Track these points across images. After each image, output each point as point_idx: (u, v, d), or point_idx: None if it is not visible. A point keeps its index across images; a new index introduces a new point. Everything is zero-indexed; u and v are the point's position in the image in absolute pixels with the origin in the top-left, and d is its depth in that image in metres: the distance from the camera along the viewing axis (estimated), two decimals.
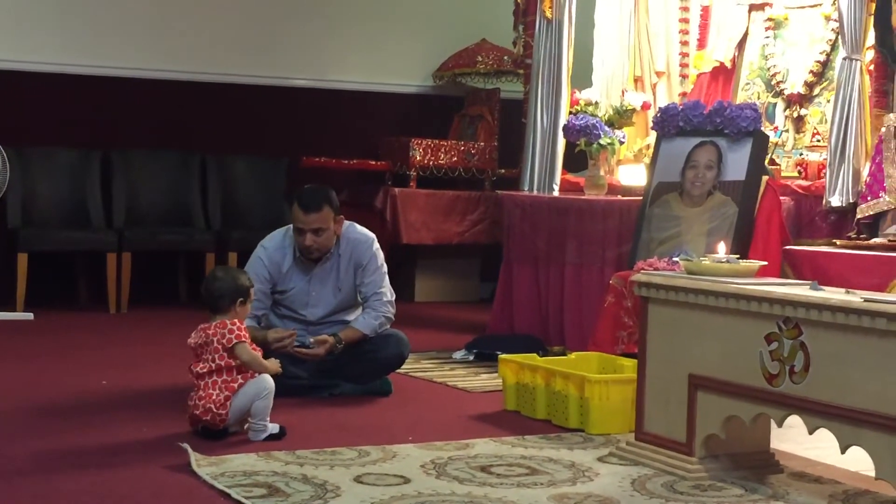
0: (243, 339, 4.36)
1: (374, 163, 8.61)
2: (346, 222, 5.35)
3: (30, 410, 4.78)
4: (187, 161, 8.30)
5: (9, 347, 6.30)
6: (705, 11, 7.46)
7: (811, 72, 6.71)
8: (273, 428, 4.37)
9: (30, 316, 7.25)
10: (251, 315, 5.09)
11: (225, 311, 4.43)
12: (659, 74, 7.60)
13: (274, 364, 4.47)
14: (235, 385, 4.33)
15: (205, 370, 4.35)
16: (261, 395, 4.34)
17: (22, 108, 7.98)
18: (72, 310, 7.72)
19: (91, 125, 8.17)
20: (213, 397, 4.31)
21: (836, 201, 5.89)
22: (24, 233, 7.55)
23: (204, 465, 3.93)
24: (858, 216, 5.71)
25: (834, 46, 6.56)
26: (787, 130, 6.80)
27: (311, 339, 5.16)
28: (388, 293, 5.34)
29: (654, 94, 7.57)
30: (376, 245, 5.37)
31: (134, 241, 7.76)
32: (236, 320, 4.41)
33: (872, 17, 5.90)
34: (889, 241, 5.36)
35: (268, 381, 4.37)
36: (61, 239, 7.68)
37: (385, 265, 5.38)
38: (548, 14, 7.19)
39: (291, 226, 5.28)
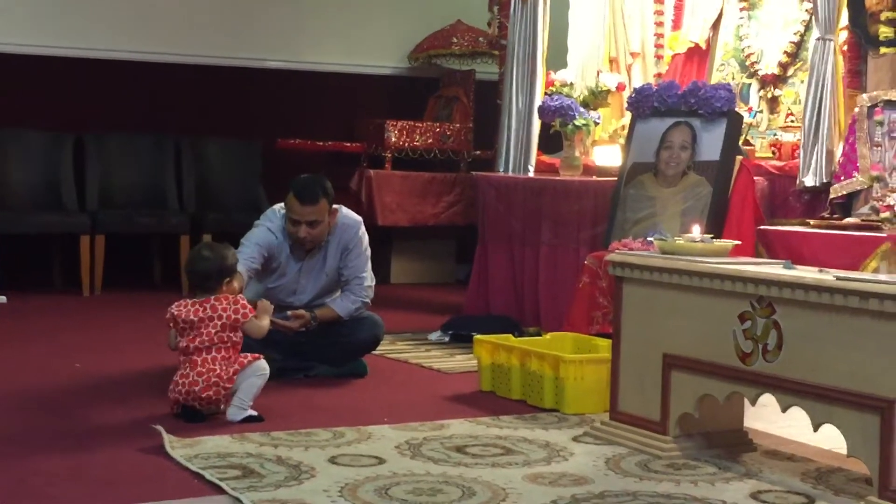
0: (252, 315, 4.42)
1: (349, 144, 8.59)
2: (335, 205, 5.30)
3: (3, 393, 4.75)
4: (161, 143, 8.25)
5: None
6: None
7: (785, 52, 6.72)
8: (252, 412, 4.36)
9: (3, 299, 7.21)
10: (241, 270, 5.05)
11: (213, 291, 4.41)
12: (634, 55, 7.61)
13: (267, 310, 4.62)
14: (241, 361, 4.35)
15: (203, 344, 4.33)
16: (257, 372, 4.36)
17: None
18: (46, 292, 7.68)
19: (64, 107, 8.12)
20: (218, 372, 4.30)
21: (809, 181, 5.91)
22: None
23: (178, 447, 3.92)
24: (832, 196, 5.74)
25: (808, 27, 6.58)
26: (761, 111, 6.81)
27: (289, 313, 5.14)
28: (369, 278, 5.32)
29: (629, 74, 7.58)
30: (362, 229, 5.33)
31: (108, 223, 7.73)
32: (239, 297, 4.46)
33: None
34: (862, 220, 5.38)
35: (265, 364, 4.40)
36: (35, 222, 7.63)
37: (369, 249, 5.35)
38: None
39: (278, 207, 5.24)
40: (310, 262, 5.26)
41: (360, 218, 5.38)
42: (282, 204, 5.27)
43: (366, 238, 5.35)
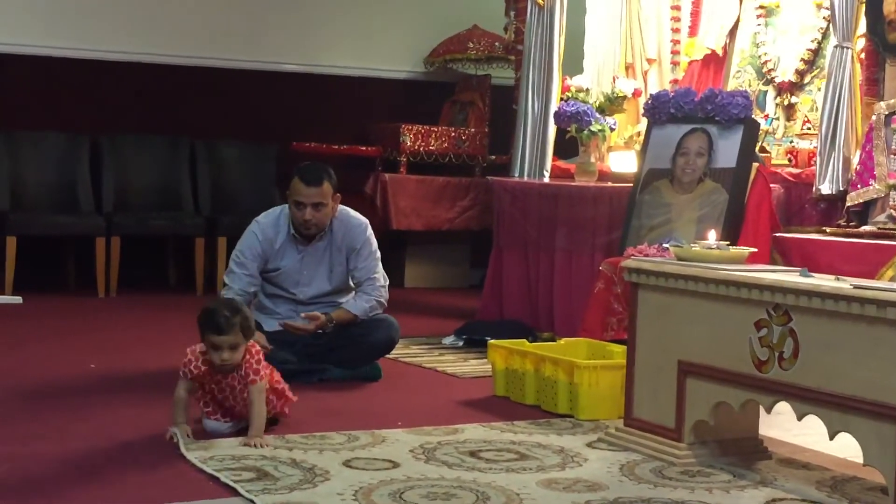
0: (182, 377, 4.14)
1: (364, 148, 8.59)
2: (340, 206, 5.36)
3: (18, 394, 4.77)
4: (177, 146, 8.27)
5: None
6: None
7: (802, 60, 6.71)
8: None
9: (18, 299, 7.24)
10: (242, 292, 5.11)
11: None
12: (650, 61, 7.61)
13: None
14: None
15: None
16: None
17: (11, 92, 7.96)
18: (61, 294, 7.70)
19: (81, 109, 8.15)
20: None
21: (826, 189, 5.89)
22: (13, 216, 7.52)
23: (192, 449, 3.92)
24: (848, 204, 5.72)
25: (825, 34, 6.57)
26: (777, 118, 6.80)
27: (302, 315, 5.17)
28: (382, 278, 5.35)
29: (645, 81, 7.58)
30: (370, 230, 5.38)
31: (123, 225, 7.75)
32: (191, 358, 4.14)
33: (864, 4, 5.91)
34: (878, 228, 5.37)
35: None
36: (50, 223, 7.65)
37: (378, 251, 5.39)
38: (539, 0, 7.18)
39: (286, 206, 5.30)
40: (312, 251, 5.29)
41: (366, 219, 5.43)
42: (280, 207, 5.34)
43: (374, 239, 5.39)
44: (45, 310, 7.08)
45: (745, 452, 4.09)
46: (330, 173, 5.26)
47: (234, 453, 3.90)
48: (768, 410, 3.88)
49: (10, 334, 6.20)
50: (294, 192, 5.22)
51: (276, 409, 4.32)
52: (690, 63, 7.41)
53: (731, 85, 7.02)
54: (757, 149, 6.06)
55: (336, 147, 8.51)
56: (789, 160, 6.48)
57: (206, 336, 4.08)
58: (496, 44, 8.72)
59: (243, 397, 4.13)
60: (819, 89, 6.40)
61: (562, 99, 7.17)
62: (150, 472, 3.72)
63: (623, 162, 6.99)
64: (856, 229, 5.45)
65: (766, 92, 6.90)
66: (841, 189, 5.83)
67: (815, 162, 6.02)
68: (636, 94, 7.36)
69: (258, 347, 4.22)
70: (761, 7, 7.02)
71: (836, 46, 5.96)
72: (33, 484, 3.56)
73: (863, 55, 6.03)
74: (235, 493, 3.50)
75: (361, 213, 5.56)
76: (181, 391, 4.15)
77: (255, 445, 3.99)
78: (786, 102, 6.77)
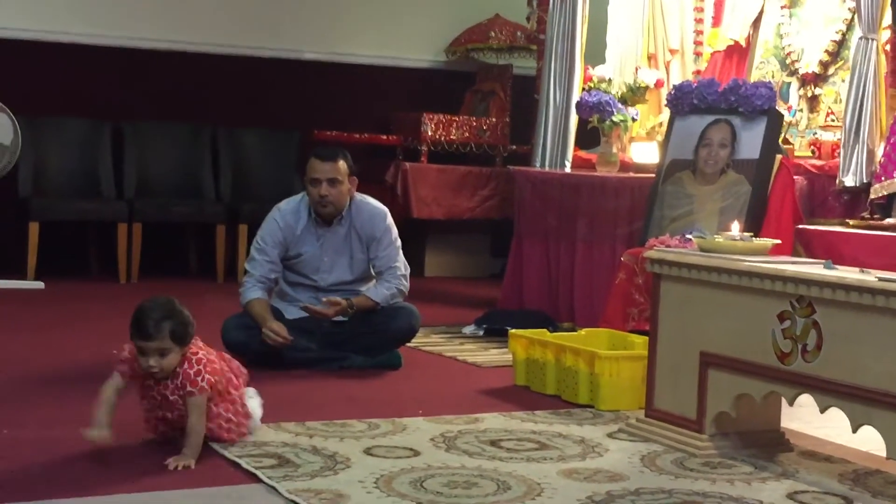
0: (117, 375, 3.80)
1: (385, 137, 8.59)
2: (360, 194, 5.37)
3: (39, 378, 4.79)
4: (198, 133, 8.29)
5: (19, 316, 6.32)
6: None
7: (826, 51, 6.68)
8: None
9: (40, 285, 7.27)
10: (263, 279, 5.15)
11: None
12: (673, 52, 7.58)
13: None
14: None
15: None
16: None
17: (35, 78, 7.98)
18: (82, 279, 7.73)
19: (103, 96, 8.17)
20: None
21: (849, 181, 5.87)
22: (35, 202, 7.55)
23: None
24: (872, 196, 5.70)
25: (850, 26, 6.53)
26: (801, 110, 6.77)
27: (323, 300, 5.18)
28: (403, 267, 5.36)
29: (667, 71, 7.55)
30: (390, 219, 5.38)
31: (144, 212, 7.77)
32: (128, 356, 3.80)
33: None
34: None
35: None
36: (72, 209, 7.68)
37: (399, 239, 5.40)
38: None
39: (305, 193, 5.31)
40: (332, 236, 5.30)
41: (385, 208, 5.45)
42: (300, 194, 5.38)
43: (394, 227, 5.40)
44: (66, 295, 7.11)
45: (766, 444, 4.08)
46: (345, 153, 5.31)
47: (255, 439, 3.91)
48: (790, 403, 3.87)
49: (32, 320, 6.23)
50: (310, 170, 5.27)
51: (219, 434, 3.82)
52: (713, 54, 7.38)
53: (755, 76, 6.99)
54: (780, 140, 6.03)
55: (357, 136, 8.52)
56: (813, 152, 6.45)
57: (132, 338, 3.68)
58: (518, 33, 8.70)
59: (178, 407, 3.73)
60: (843, 81, 6.37)
61: (584, 89, 7.15)
62: (170, 457, 3.72)
63: (645, 153, 6.97)
64: (879, 222, 5.42)
65: (789, 83, 6.87)
66: (865, 181, 5.81)
67: (839, 154, 5.99)
68: (658, 84, 7.34)
69: (202, 356, 3.73)
70: None
71: (860, 38, 5.93)
72: (56, 469, 3.57)
73: (888, 47, 5.99)
74: (257, 479, 3.51)
75: (382, 201, 5.57)
76: (109, 391, 3.73)
77: (175, 467, 3.56)
78: (809, 94, 6.74)
